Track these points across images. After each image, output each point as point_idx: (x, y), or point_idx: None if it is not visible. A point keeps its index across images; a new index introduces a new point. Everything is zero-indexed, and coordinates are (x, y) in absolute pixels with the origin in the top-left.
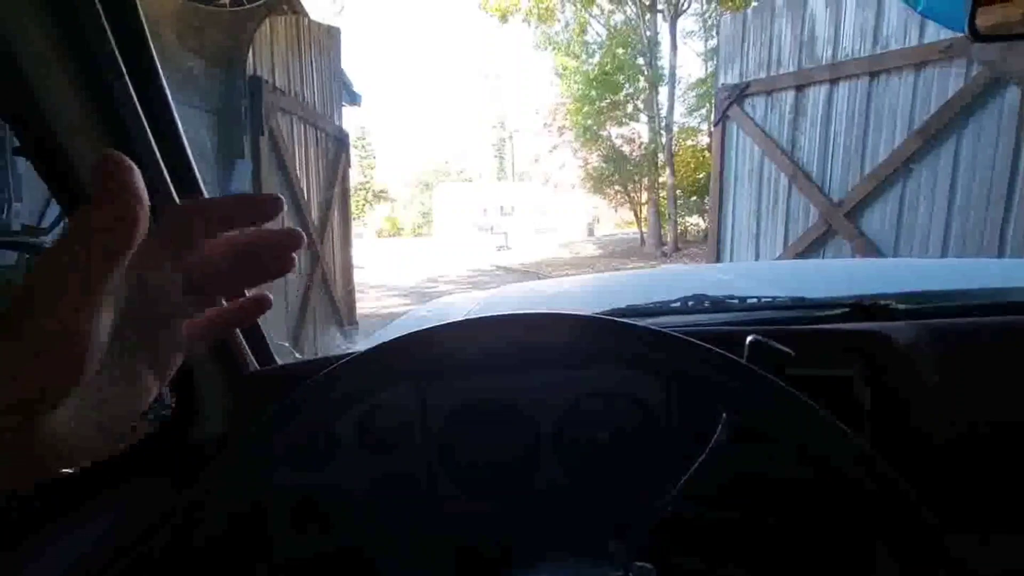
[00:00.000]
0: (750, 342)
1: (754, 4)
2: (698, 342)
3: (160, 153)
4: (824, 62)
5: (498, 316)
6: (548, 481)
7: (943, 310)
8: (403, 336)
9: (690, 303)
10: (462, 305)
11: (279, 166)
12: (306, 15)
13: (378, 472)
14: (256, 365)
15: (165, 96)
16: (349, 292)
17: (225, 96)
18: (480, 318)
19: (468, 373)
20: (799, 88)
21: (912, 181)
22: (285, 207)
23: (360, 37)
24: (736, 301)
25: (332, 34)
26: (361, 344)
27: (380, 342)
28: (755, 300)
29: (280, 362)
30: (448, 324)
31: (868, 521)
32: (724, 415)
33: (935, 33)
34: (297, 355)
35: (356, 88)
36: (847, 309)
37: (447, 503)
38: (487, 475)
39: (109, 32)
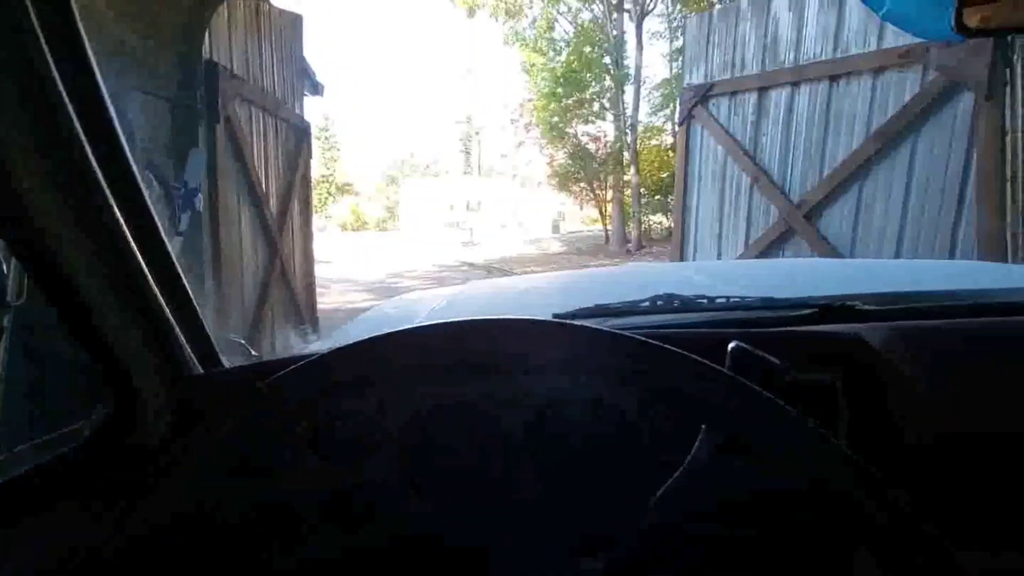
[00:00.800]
0: (732, 350)
1: (718, 6)
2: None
3: (87, 139)
4: (786, 65)
5: (458, 322)
6: (522, 492)
7: (912, 311)
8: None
9: (659, 303)
10: (427, 302)
11: (236, 156)
12: (267, 1)
13: (337, 485)
14: (198, 367)
15: (93, 74)
16: (309, 285)
17: (179, 81)
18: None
19: (433, 378)
20: (762, 90)
21: (869, 183)
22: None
23: (326, 28)
24: (705, 301)
25: (294, 21)
26: (319, 343)
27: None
28: (724, 300)
29: (227, 364)
30: (421, 327)
31: (877, 548)
32: (704, 426)
33: (893, 39)
34: (253, 352)
35: (320, 79)
36: (816, 310)
37: (413, 516)
38: (456, 486)
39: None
